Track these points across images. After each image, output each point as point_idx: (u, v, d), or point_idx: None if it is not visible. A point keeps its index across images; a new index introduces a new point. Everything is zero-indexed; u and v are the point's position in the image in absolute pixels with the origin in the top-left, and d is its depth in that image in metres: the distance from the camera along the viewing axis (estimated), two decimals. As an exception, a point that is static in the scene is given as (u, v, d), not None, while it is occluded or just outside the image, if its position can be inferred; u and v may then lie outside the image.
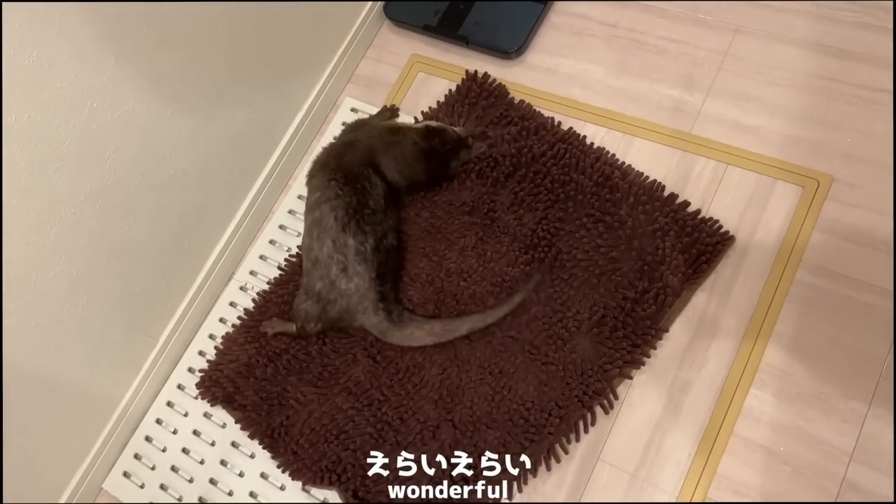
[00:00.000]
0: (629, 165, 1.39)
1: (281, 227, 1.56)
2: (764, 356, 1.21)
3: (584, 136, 1.44)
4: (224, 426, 1.42)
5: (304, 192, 1.56)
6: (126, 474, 1.43)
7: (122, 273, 1.32)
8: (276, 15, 1.41)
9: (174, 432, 1.44)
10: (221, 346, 1.47)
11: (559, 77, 1.53)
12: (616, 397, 1.24)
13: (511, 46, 1.56)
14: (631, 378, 1.25)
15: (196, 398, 1.44)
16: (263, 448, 1.36)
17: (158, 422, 1.46)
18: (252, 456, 1.38)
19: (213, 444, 1.41)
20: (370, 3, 1.67)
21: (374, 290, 1.28)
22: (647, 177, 1.37)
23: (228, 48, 1.34)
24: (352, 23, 1.64)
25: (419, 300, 1.37)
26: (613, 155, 1.41)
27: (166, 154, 1.30)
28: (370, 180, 1.33)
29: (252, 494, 1.35)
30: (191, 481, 1.39)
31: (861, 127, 1.32)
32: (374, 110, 1.61)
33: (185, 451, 1.42)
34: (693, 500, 1.16)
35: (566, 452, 1.23)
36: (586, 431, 1.24)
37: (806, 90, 1.37)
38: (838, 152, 1.31)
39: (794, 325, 1.22)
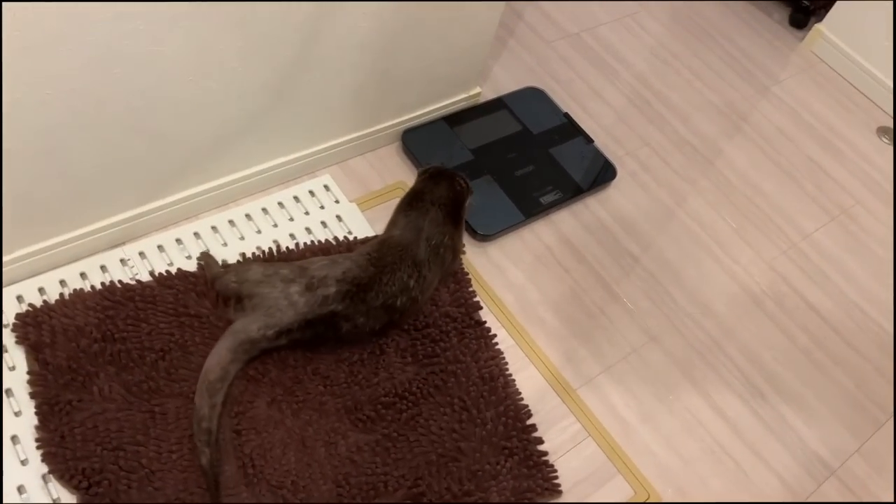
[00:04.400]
0: (513, 379, 1.48)
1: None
2: None
3: (495, 335, 1.53)
4: (13, 369, 1.29)
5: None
6: None
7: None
8: (316, 86, 1.52)
9: (-42, 345, 1.30)
10: (68, 297, 1.38)
11: (502, 279, 1.65)
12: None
13: (481, 230, 1.69)
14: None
15: (7, 326, 1.33)
16: (36, 413, 1.24)
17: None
18: (18, 413, 1.25)
19: (-11, 378, 1.28)
20: (398, 118, 1.79)
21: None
22: (522, 398, 1.45)
23: (259, 91, 1.42)
24: (372, 123, 1.75)
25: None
26: (506, 362, 1.50)
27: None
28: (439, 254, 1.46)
29: (-7, 449, 1.21)
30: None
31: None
32: (343, 198, 1.68)
33: (-43, 368, 1.28)
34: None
35: None
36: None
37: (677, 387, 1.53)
38: (677, 482, 1.44)
39: None
